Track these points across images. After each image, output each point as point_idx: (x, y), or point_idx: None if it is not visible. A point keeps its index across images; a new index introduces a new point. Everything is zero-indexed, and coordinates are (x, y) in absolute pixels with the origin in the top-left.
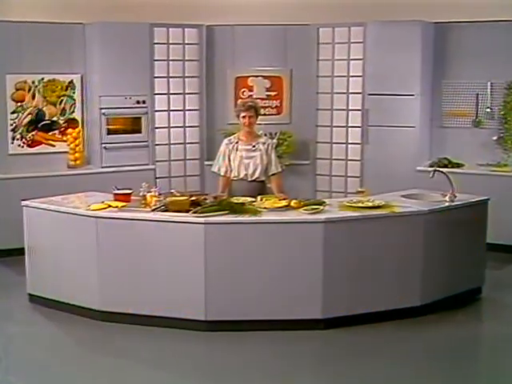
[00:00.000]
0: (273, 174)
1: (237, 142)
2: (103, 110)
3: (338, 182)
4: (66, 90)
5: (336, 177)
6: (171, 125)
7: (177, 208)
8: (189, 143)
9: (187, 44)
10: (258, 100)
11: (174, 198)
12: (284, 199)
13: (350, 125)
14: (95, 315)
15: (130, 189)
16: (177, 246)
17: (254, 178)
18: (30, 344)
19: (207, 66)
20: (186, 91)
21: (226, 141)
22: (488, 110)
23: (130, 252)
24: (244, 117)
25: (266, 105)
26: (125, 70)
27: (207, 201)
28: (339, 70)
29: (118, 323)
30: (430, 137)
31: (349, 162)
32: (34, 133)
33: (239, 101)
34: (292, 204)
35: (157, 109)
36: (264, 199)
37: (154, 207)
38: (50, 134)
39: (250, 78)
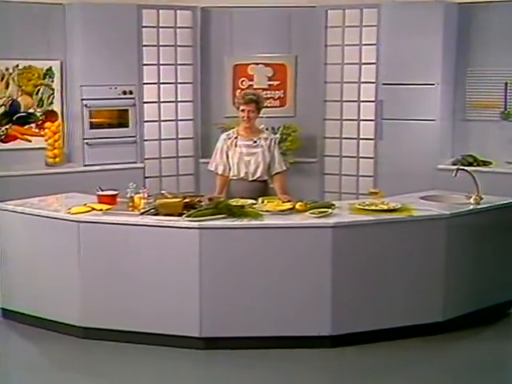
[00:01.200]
0: (276, 173)
1: (236, 138)
2: (85, 102)
3: (349, 181)
4: (44, 78)
5: (346, 176)
6: (162, 118)
7: (168, 211)
8: (182, 139)
9: (179, 28)
10: (260, 91)
11: (165, 200)
12: (288, 201)
13: (361, 118)
14: (76, 332)
15: (115, 190)
16: (168, 254)
17: (255, 178)
18: (1, 365)
19: (202, 52)
20: (179, 80)
21: (223, 136)
22: None
23: (115, 261)
24: (243, 110)
25: (268, 96)
26: (110, 57)
27: (202, 203)
28: (350, 56)
29: (102, 341)
30: (453, 131)
31: (360, 160)
32: (7, 126)
33: (240, 91)
34: (297, 207)
35: (146, 100)
36: (266, 201)
37: (142, 210)
38: (26, 127)
39: (250, 66)
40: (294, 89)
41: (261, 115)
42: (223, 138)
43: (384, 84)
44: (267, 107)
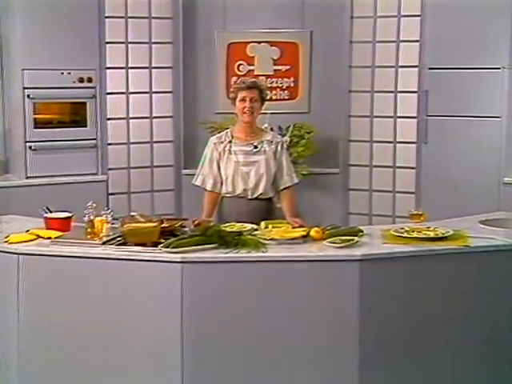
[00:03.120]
0: (284, 189)
1: (230, 141)
2: (28, 91)
3: (382, 200)
4: None
5: (378, 192)
6: (131, 115)
7: (140, 240)
8: (158, 142)
9: None
10: (263, 78)
11: (135, 225)
12: (300, 226)
13: (399, 114)
14: None
15: (68, 211)
16: (140, 299)
17: (256, 195)
18: None
19: (185, 26)
20: (154, 64)
21: (213, 139)
22: None
23: (68, 307)
24: (243, 99)
25: (274, 85)
26: (60, 32)
27: (186, 229)
28: (384, 32)
29: None
30: None
31: (398, 171)
32: None
33: (237, 79)
34: (312, 234)
35: (109, 90)
36: (271, 226)
37: (105, 239)
38: None
39: (250, 45)
40: (309, 76)
41: (264, 111)
42: (213, 142)
43: (430, 69)
44: (273, 100)
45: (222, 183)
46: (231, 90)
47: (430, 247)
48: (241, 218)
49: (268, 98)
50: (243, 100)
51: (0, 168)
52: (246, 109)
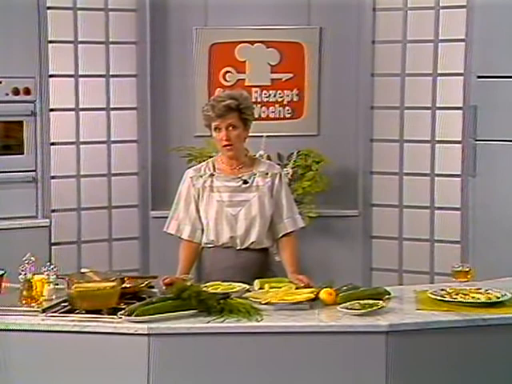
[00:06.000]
0: (285, 236)
1: (212, 175)
2: None
3: (416, 251)
4: None
5: (410, 241)
6: (82, 138)
7: (93, 305)
8: (118, 175)
9: None
10: (255, 90)
11: (86, 286)
12: (307, 286)
13: (438, 138)
14: None
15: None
16: (92, 380)
17: (247, 245)
18: None
19: (154, 21)
20: (112, 71)
21: (190, 172)
22: None
23: None
24: (218, 129)
25: (272, 99)
26: None
27: (154, 290)
28: (417, 29)
29: None
30: None
31: (437, 213)
32: None
33: (220, 91)
34: (323, 296)
35: (53, 106)
36: (268, 286)
37: (46, 304)
38: None
39: (240, 47)
40: (317, 87)
41: (255, 133)
42: (190, 176)
43: (480, 77)
44: (269, 119)
45: (202, 230)
46: (203, 113)
47: (480, 315)
48: (227, 274)
49: (253, 114)
50: (217, 130)
51: None
52: (224, 142)
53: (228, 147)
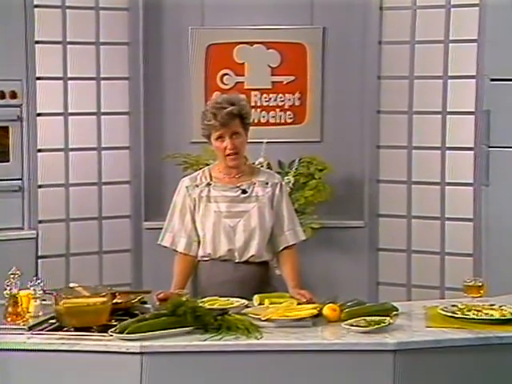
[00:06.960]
0: (286, 248)
1: (208, 184)
2: None
3: (425, 264)
4: None
5: (420, 254)
6: (71, 145)
7: (82, 322)
8: (109, 183)
9: None
10: (255, 93)
11: (75, 302)
12: (309, 302)
13: (449, 145)
14: None
15: None
16: None
17: (246, 258)
18: None
19: (147, 21)
20: (103, 74)
21: (186, 181)
22: None
23: None
24: (221, 138)
25: (272, 103)
26: None
27: (147, 306)
28: (427, 29)
29: None
30: None
31: (448, 224)
32: None
33: (218, 95)
34: (326, 312)
35: (41, 111)
36: (268, 302)
37: (32, 322)
38: None
39: (239, 48)
40: (321, 91)
41: (254, 139)
42: (185, 186)
43: (493, 80)
44: (270, 124)
45: (198, 242)
46: (202, 121)
47: (494, 333)
48: (225, 289)
49: (258, 120)
50: (220, 139)
51: None
52: (230, 151)
53: (233, 156)
